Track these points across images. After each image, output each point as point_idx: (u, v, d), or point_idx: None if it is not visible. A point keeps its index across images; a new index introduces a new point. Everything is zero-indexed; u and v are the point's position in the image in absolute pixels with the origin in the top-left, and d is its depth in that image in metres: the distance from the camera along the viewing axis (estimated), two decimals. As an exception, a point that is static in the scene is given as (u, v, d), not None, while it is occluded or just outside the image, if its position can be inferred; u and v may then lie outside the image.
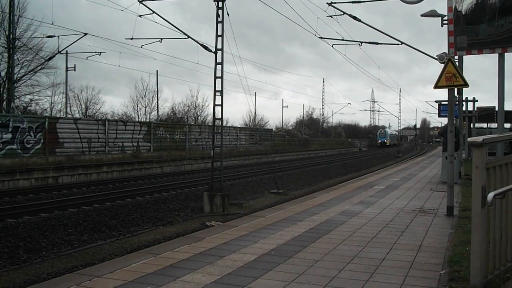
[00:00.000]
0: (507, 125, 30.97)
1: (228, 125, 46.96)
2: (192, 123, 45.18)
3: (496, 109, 9.91)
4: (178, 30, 16.50)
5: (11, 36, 25.60)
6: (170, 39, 19.61)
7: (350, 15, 15.77)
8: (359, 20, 15.92)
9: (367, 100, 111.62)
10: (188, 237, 7.00)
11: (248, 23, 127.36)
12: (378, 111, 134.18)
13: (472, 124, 28.72)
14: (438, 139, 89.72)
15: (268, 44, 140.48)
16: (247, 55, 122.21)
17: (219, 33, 12.98)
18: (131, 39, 19.58)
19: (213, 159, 14.05)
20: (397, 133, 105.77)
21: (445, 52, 8.15)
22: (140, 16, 16.81)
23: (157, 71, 41.57)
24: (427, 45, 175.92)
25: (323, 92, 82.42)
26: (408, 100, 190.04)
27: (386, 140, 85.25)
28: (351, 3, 15.64)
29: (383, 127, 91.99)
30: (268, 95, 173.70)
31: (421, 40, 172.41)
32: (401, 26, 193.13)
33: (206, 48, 15.23)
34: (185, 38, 16.58)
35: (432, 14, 13.23)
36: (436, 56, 8.46)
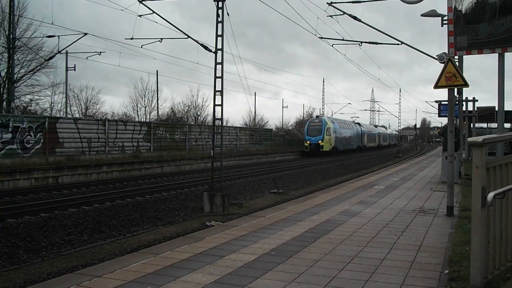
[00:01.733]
0: (507, 125, 30.97)
1: (228, 125, 46.97)
2: (192, 123, 45.20)
3: (496, 109, 9.91)
4: (178, 30, 16.53)
5: (11, 36, 25.60)
6: (170, 39, 19.63)
7: (350, 15, 15.79)
8: (359, 20, 15.93)
9: (367, 100, 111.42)
10: (188, 237, 7.00)
11: (248, 22, 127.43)
12: (378, 111, 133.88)
13: (472, 124, 28.71)
14: (438, 139, 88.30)
15: (268, 43, 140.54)
16: (247, 55, 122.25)
17: (219, 33, 12.98)
18: (131, 39, 19.60)
19: (213, 159, 14.05)
20: (380, 130, 77.31)
21: (445, 52, 8.16)
22: (140, 16, 16.84)
23: (157, 71, 41.67)
24: (429, 44, 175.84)
25: (323, 92, 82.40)
26: (408, 100, 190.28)
27: (322, 141, 44.40)
28: (351, 3, 15.65)
29: (318, 116, 50.83)
30: (268, 95, 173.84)
31: (423, 39, 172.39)
32: (403, 24, 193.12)
33: (206, 48, 15.23)
34: (185, 38, 16.60)
35: (432, 14, 13.23)
36: (436, 56, 8.47)
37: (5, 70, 26.40)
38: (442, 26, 11.02)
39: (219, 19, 12.93)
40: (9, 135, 19.09)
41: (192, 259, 5.16)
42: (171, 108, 51.21)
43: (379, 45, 18.75)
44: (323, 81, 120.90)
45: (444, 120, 27.66)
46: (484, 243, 3.96)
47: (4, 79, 26.79)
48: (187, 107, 52.35)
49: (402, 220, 7.71)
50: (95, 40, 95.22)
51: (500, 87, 8.30)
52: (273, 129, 58.78)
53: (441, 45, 8.60)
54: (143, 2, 15.32)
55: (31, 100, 32.93)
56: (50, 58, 28.50)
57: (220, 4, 12.92)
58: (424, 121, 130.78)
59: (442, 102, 20.69)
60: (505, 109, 8.94)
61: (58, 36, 26.08)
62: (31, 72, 30.03)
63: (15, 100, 27.07)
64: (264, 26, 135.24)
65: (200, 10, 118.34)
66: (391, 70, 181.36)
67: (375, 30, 16.23)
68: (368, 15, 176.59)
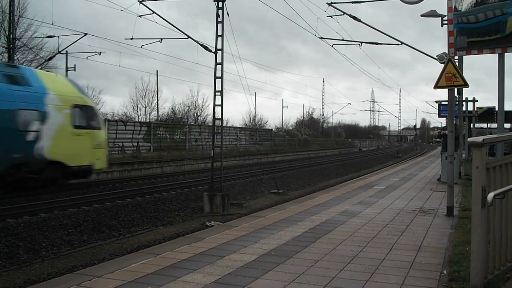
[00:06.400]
0: (507, 125, 30.95)
1: (228, 125, 47.00)
2: (192, 123, 45.21)
3: (496, 109, 9.91)
4: (178, 30, 16.52)
5: (11, 36, 25.61)
6: (170, 39, 19.64)
7: (350, 15, 15.78)
8: (359, 20, 15.92)
9: (367, 100, 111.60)
10: (188, 237, 6.99)
11: (249, 19, 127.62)
12: (378, 111, 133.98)
13: (472, 124, 28.71)
14: (438, 139, 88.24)
15: (269, 41, 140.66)
16: (247, 53, 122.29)
17: (219, 33, 12.98)
18: (131, 39, 19.61)
19: (213, 159, 14.05)
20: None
21: (445, 52, 8.16)
22: (140, 16, 16.84)
23: (157, 71, 41.75)
24: (434, 41, 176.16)
25: (323, 92, 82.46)
26: (408, 101, 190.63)
27: None
28: (351, 3, 15.65)
29: None
30: (268, 95, 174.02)
31: (428, 37, 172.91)
32: (408, 22, 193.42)
33: (206, 48, 15.22)
34: (185, 38, 16.60)
35: (432, 14, 13.24)
36: (436, 56, 8.47)
37: (5, 70, 26.39)
38: (442, 26, 11.03)
39: (219, 19, 12.93)
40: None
41: (192, 259, 5.16)
42: (172, 108, 51.26)
43: (381, 44, 18.74)
44: (323, 81, 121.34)
45: (444, 120, 27.58)
46: (484, 243, 3.96)
47: (4, 79, 26.78)
48: (187, 107, 52.41)
49: (402, 220, 7.71)
50: (95, 40, 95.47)
51: (500, 87, 8.31)
52: (273, 129, 58.80)
53: (446, 43, 8.58)
54: (143, 2, 15.33)
55: (31, 100, 32.89)
56: (50, 58, 28.51)
57: (220, 4, 12.92)
58: (424, 121, 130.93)
59: (442, 103, 20.72)
60: (505, 109, 8.95)
61: (58, 36, 26.16)
62: (31, 73, 30.02)
63: (15, 100, 27.05)
64: (264, 23, 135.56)
65: (198, 6, 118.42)
66: (394, 69, 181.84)
67: (377, 30, 16.21)
68: (372, 13, 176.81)
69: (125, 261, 5.30)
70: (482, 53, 8.32)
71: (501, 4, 7.79)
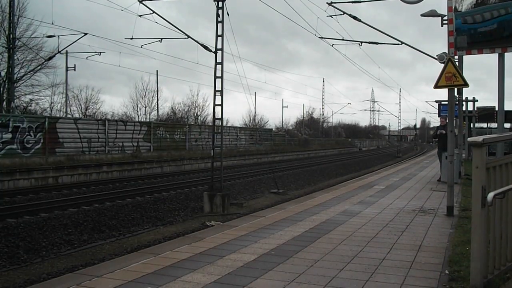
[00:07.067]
0: (507, 125, 30.91)
1: (228, 125, 47.00)
2: (192, 123, 45.20)
3: (496, 109, 9.92)
4: (178, 30, 16.53)
5: (11, 36, 25.62)
6: (170, 39, 19.64)
7: (350, 15, 15.78)
8: (359, 20, 15.92)
9: (367, 100, 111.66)
10: (188, 237, 6.99)
11: (249, 18, 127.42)
12: (378, 111, 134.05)
13: (472, 124, 28.67)
14: (435, 139, 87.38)
15: (269, 41, 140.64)
16: (247, 52, 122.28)
17: (219, 33, 12.99)
18: (131, 39, 19.67)
19: (213, 159, 14.06)
20: None
21: (445, 52, 8.16)
22: (140, 16, 16.86)
23: (157, 71, 41.70)
24: (435, 41, 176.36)
25: (323, 92, 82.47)
26: (408, 100, 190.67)
27: None
28: (351, 3, 15.65)
29: None
30: (268, 95, 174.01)
31: (428, 36, 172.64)
32: (408, 22, 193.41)
33: (206, 48, 15.24)
34: (185, 38, 16.60)
35: (432, 14, 13.23)
36: (436, 56, 8.47)
37: (5, 70, 26.42)
38: (442, 26, 11.01)
39: (219, 19, 12.94)
40: (9, 135, 19.11)
41: (192, 259, 5.16)
42: (171, 108, 51.24)
43: (381, 44, 18.76)
44: (323, 81, 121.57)
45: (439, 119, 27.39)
46: (484, 243, 3.96)
47: (4, 79, 26.80)
48: (187, 107, 52.42)
49: (402, 220, 7.71)
50: (95, 40, 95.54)
51: (500, 87, 8.31)
52: (273, 129, 58.79)
53: (446, 43, 8.59)
54: (143, 2, 15.33)
55: (31, 100, 33.01)
56: (50, 58, 28.53)
57: (220, 4, 12.92)
58: (424, 121, 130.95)
59: (442, 102, 20.69)
60: (505, 109, 8.95)
61: (58, 36, 26.21)
62: (31, 72, 30.12)
63: (15, 100, 27.08)
64: (264, 22, 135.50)
65: (197, 6, 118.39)
66: (394, 68, 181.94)
67: (377, 29, 16.20)
68: (372, 12, 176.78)
69: (125, 261, 5.30)
70: (482, 53, 8.32)
71: (504, 5, 7.79)
